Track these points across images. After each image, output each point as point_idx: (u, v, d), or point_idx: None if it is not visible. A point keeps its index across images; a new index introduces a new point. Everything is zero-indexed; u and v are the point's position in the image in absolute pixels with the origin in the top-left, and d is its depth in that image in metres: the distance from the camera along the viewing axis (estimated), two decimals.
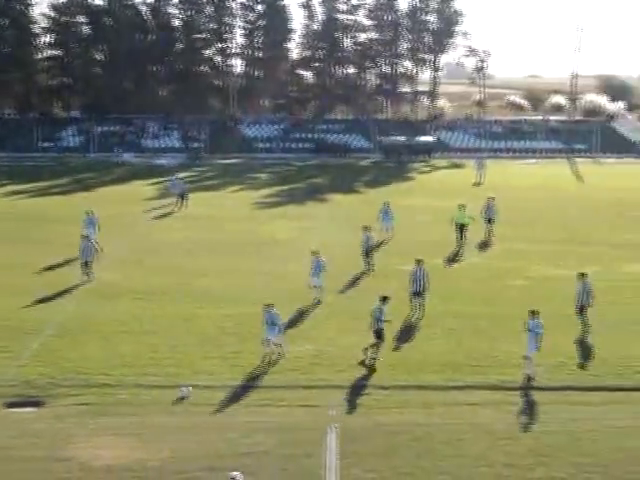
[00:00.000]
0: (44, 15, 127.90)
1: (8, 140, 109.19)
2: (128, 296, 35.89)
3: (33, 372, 26.66)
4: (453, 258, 43.57)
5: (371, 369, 27.30)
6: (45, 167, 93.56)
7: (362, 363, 27.68)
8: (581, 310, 31.87)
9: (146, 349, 28.88)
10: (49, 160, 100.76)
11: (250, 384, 25.72)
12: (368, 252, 41.18)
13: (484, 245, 46.81)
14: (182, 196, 61.34)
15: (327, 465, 15.49)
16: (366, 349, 28.01)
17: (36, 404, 24.20)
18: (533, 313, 27.22)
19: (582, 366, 28.08)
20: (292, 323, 32.08)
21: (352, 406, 23.74)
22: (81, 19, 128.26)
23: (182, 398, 23.83)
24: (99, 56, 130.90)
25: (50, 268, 41.06)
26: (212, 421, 22.81)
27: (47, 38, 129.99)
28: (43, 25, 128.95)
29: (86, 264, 38.65)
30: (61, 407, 23.93)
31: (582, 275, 32.33)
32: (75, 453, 20.69)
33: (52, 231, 50.95)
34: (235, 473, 16.34)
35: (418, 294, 33.16)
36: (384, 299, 28.48)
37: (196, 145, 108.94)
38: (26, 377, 26.18)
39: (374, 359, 27.77)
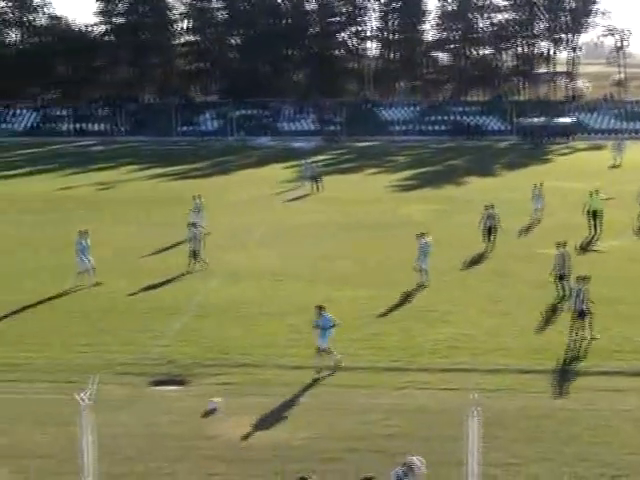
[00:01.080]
0: (181, 1, 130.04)
1: (149, 124, 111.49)
2: (269, 277, 36.26)
3: (176, 352, 27.15)
4: (588, 243, 42.65)
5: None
6: (184, 151, 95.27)
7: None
8: None
9: (287, 330, 29.11)
10: (188, 144, 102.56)
11: (390, 366, 25.68)
12: (491, 230, 40.96)
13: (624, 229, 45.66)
14: (315, 179, 61.69)
15: (469, 449, 15.36)
16: (576, 332, 27.61)
17: (180, 382, 24.64)
18: None
19: None
20: (430, 306, 31.90)
21: (494, 390, 23.53)
22: (217, 4, 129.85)
23: (212, 410, 22.29)
24: (235, 41, 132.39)
25: (187, 249, 41.67)
26: (353, 402, 22.85)
27: (184, 24, 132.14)
28: (181, 11, 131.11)
29: (194, 253, 37.75)
30: (204, 386, 24.30)
31: None
32: (220, 431, 21.01)
33: None
34: (413, 458, 16.12)
35: (562, 277, 32.56)
36: (584, 279, 27.79)
37: (332, 128, 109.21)
38: (170, 356, 26.67)
39: (593, 337, 27.52)
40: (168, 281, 35.77)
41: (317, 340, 25.54)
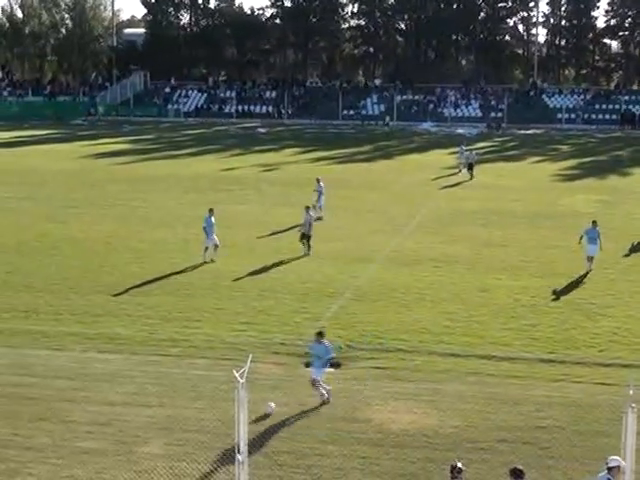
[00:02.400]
0: None
1: (314, 107, 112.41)
2: (426, 264, 36.24)
3: (331, 334, 27.26)
4: None
5: None
6: (348, 134, 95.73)
7: None
8: None
9: (442, 317, 29.05)
10: (351, 127, 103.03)
11: (546, 358, 25.36)
12: None
13: None
14: (470, 166, 61.21)
15: (625, 445, 15.05)
16: None
17: (334, 365, 24.84)
18: None
19: None
20: (589, 298, 31.33)
21: None
22: None
23: (267, 415, 21.03)
24: (402, 25, 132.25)
25: (348, 234, 42.04)
26: (506, 393, 22.67)
27: (352, 8, 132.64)
28: None
29: (304, 236, 37.85)
30: (358, 369, 24.46)
31: None
32: (372, 415, 21.15)
33: (354, 198, 52.16)
34: (615, 458, 15.79)
35: None
36: None
37: (496, 115, 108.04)
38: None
39: None
40: (327, 264, 36.11)
41: (312, 371, 22.62)
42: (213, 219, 36.86)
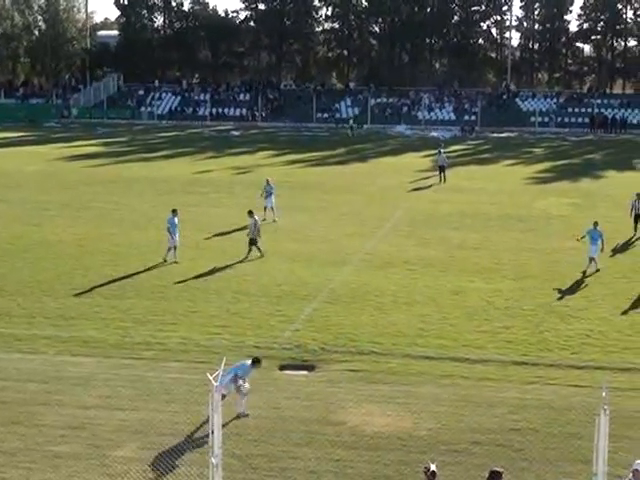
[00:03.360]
0: None
1: (288, 110, 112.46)
2: (400, 267, 36.28)
3: (306, 337, 27.39)
4: None
5: None
6: (322, 137, 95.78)
7: None
8: None
9: (415, 320, 29.10)
10: (325, 130, 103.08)
11: (519, 360, 25.44)
12: (637, 219, 40.82)
13: None
14: (441, 168, 61.18)
15: (597, 447, 15.13)
16: None
17: (308, 368, 24.86)
18: None
19: None
20: (563, 300, 31.48)
21: (625, 389, 23.10)
22: None
23: (244, 394, 20.72)
24: (376, 28, 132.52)
25: (322, 237, 42.06)
26: (480, 395, 22.73)
27: (326, 11, 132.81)
28: None
29: (252, 241, 37.52)
30: (332, 372, 24.46)
31: None
32: (346, 418, 21.15)
33: (328, 201, 52.19)
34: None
35: None
36: None
37: (470, 118, 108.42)
38: (299, 341, 26.93)
39: None
40: (301, 266, 36.11)
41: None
42: (176, 220, 36.89)
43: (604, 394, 14.77)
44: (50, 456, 19.07)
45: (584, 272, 34.85)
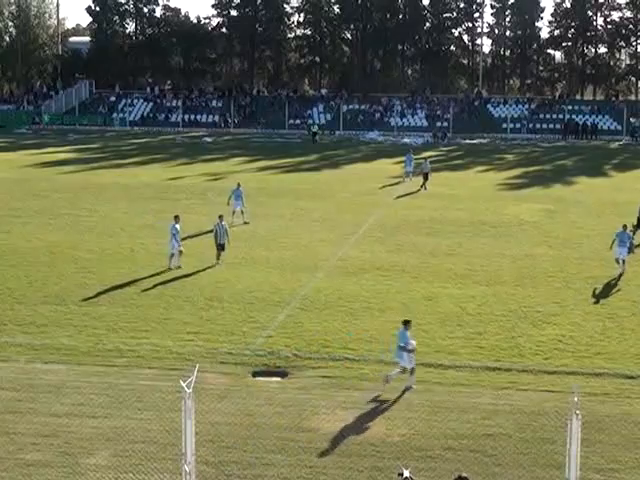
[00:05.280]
0: None
1: (260, 116, 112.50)
2: (372, 273, 36.33)
3: (279, 343, 27.38)
4: None
5: None
6: (294, 144, 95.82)
7: None
8: None
9: (388, 326, 29.04)
10: (298, 137, 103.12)
11: (492, 365, 25.53)
12: None
13: None
14: (425, 175, 61.36)
15: (569, 452, 15.22)
16: None
17: (281, 374, 24.84)
18: None
19: None
20: (534, 306, 31.61)
21: (597, 394, 23.23)
22: None
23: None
24: (348, 35, 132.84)
25: (295, 243, 42.07)
26: (453, 401, 22.78)
27: (298, 17, 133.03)
28: (294, 4, 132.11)
29: (220, 246, 37.48)
30: (305, 379, 24.45)
31: None
32: (319, 424, 21.13)
33: (301, 207, 52.20)
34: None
35: None
36: None
37: (442, 124, 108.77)
38: (272, 348, 26.91)
39: None
40: (274, 273, 36.11)
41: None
42: (178, 226, 36.81)
43: (576, 399, 14.86)
44: (22, 464, 18.96)
45: (620, 274, 35.50)
